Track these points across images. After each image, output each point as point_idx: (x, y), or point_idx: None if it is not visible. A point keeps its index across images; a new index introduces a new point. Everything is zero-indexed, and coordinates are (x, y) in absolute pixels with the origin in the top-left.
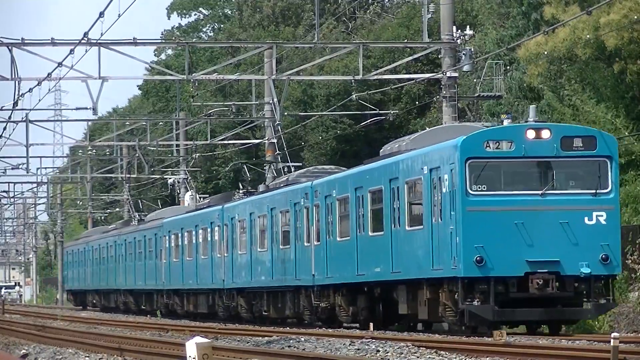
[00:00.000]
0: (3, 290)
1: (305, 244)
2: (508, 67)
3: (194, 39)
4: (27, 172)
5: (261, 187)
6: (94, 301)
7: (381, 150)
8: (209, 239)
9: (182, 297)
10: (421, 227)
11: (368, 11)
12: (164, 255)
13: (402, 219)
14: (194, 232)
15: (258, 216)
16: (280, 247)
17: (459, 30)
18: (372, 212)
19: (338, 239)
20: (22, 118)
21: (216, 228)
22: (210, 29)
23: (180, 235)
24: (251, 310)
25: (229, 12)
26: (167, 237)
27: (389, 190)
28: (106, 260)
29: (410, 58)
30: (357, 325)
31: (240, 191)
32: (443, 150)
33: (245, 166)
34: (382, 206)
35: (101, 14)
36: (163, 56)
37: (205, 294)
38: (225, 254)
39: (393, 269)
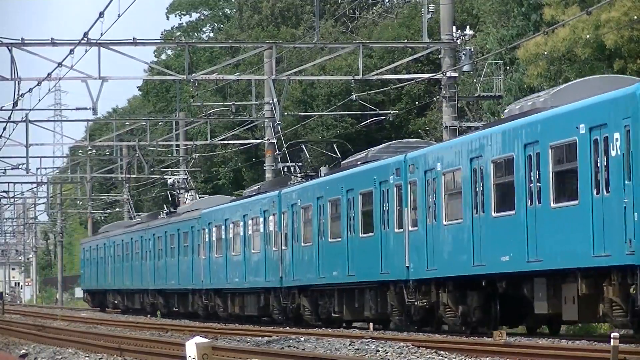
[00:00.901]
0: None
1: (396, 230)
2: (508, 67)
3: (194, 39)
4: (27, 172)
5: (324, 170)
6: (115, 302)
7: (506, 111)
8: (262, 230)
9: (225, 298)
10: (575, 202)
11: (371, 12)
12: (202, 250)
13: (545, 194)
14: (241, 223)
15: (329, 200)
16: (360, 235)
17: (459, 30)
18: (497, 187)
19: (445, 222)
20: (22, 118)
21: (271, 217)
22: (210, 29)
23: (224, 227)
24: (316, 311)
25: (229, 12)
26: (206, 230)
27: (523, 158)
28: (130, 257)
29: (410, 58)
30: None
31: (298, 175)
32: (611, 103)
33: (304, 145)
34: (513, 179)
35: (101, 14)
36: (163, 56)
37: (256, 294)
38: (284, 247)
39: (529, 257)
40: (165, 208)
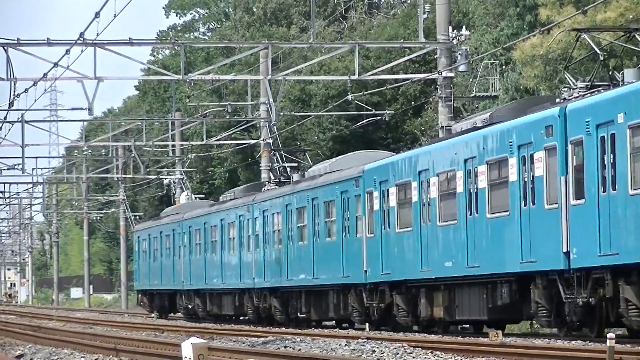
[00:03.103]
0: None
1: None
2: (504, 67)
3: (190, 39)
4: (23, 173)
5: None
6: (190, 305)
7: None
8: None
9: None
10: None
11: (357, 11)
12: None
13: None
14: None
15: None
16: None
17: (455, 31)
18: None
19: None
20: (18, 118)
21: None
22: (206, 28)
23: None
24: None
25: (227, 11)
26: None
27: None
28: (221, 246)
29: (406, 58)
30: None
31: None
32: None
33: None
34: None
35: (97, 14)
36: (160, 56)
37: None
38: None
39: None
40: (272, 176)
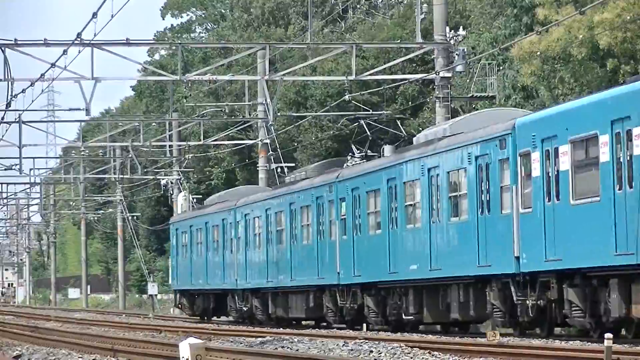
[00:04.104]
0: None
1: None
2: (502, 66)
3: (187, 40)
4: (20, 173)
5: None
6: (244, 307)
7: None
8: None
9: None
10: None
11: (356, 10)
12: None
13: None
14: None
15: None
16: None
17: (452, 31)
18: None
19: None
20: (15, 119)
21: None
22: (203, 29)
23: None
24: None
25: (224, 12)
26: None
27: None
28: (279, 238)
29: (404, 58)
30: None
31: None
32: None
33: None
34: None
35: (94, 15)
36: (157, 56)
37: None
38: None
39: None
40: (355, 148)
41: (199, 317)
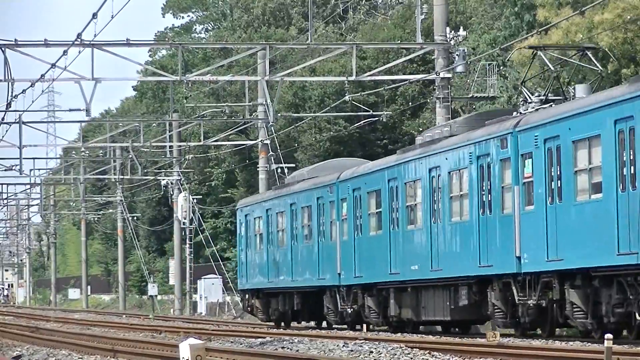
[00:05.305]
0: None
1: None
2: (502, 67)
3: (187, 40)
4: (21, 174)
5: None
6: (350, 309)
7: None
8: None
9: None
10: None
11: (358, 11)
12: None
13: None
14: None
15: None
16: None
17: (453, 31)
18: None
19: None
20: (16, 119)
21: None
22: (204, 29)
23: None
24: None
25: (224, 11)
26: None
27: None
28: (407, 217)
29: (405, 59)
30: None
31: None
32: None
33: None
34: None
35: (94, 15)
36: (157, 56)
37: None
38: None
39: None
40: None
41: (274, 324)
